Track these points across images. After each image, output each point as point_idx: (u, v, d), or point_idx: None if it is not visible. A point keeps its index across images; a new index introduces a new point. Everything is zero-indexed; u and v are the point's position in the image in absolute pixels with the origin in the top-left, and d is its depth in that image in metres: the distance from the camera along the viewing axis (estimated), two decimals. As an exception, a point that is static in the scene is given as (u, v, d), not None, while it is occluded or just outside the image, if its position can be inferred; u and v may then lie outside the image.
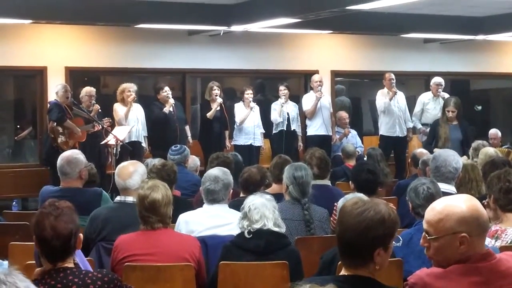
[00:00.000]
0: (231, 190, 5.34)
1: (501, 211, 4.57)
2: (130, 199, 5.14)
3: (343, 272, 2.96)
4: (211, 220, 5.13)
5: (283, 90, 11.40)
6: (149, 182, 4.67)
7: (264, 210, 4.53)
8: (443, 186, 5.21)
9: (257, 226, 4.50)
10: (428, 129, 11.73)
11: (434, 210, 3.04)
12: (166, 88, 10.78)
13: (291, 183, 5.52)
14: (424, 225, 3.06)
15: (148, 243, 4.44)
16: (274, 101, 11.72)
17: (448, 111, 10.43)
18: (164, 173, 6.07)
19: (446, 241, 2.97)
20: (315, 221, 5.45)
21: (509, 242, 4.40)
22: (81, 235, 3.45)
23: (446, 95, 11.99)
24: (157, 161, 6.57)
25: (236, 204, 5.39)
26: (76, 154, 5.92)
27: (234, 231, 4.83)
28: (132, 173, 5.27)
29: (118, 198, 5.29)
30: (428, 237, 3.02)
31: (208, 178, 5.23)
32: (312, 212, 5.50)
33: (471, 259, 2.96)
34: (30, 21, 10.53)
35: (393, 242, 2.96)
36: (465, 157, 7.92)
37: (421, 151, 8.11)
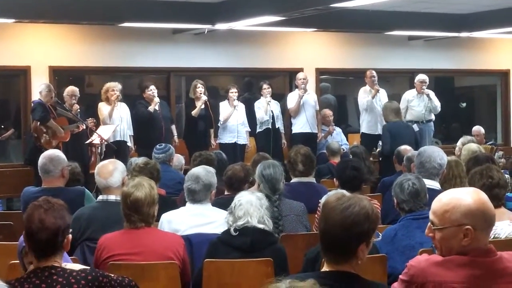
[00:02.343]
0: (213, 191, 5.32)
1: None
2: (112, 197, 5.13)
3: (325, 268, 2.97)
4: (194, 219, 5.12)
5: (267, 88, 11.39)
6: (136, 179, 4.61)
7: (248, 207, 4.53)
8: (427, 182, 5.23)
9: (240, 222, 4.50)
10: (413, 126, 11.77)
11: (441, 201, 3.06)
12: (152, 87, 10.75)
13: (261, 181, 5.61)
14: (430, 216, 3.08)
15: (132, 242, 4.42)
16: (255, 99, 11.71)
17: None
18: (147, 171, 6.05)
19: (450, 232, 2.99)
20: (291, 216, 5.53)
21: (492, 237, 4.42)
22: (70, 236, 3.43)
23: (431, 92, 12.05)
24: (140, 160, 6.55)
25: (220, 202, 5.41)
26: (57, 152, 5.97)
27: (218, 229, 4.83)
28: (112, 171, 5.26)
29: (100, 197, 5.28)
30: (432, 227, 3.04)
31: (190, 177, 5.23)
32: (287, 207, 5.56)
33: (472, 252, 2.97)
34: (13, 20, 10.48)
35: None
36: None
37: (405, 147, 8.11)
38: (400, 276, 3.08)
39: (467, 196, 3.02)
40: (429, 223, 3.08)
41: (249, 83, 13.06)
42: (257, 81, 12.13)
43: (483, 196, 3.05)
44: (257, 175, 5.68)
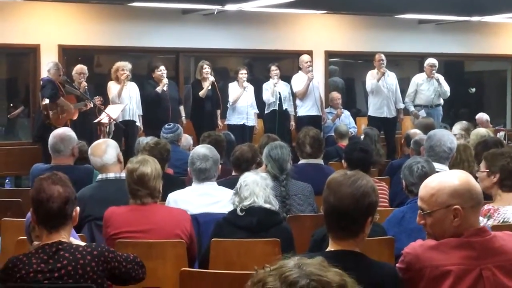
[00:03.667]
0: (220, 166, 5.37)
1: (500, 190, 4.60)
2: (111, 175, 5.19)
3: (330, 247, 2.98)
4: (201, 199, 5.14)
5: (275, 70, 11.36)
6: (139, 156, 4.68)
7: (254, 187, 4.54)
8: (437, 166, 5.22)
9: (246, 202, 4.51)
10: (420, 111, 11.74)
11: (427, 186, 3.09)
12: (162, 67, 10.73)
13: (268, 161, 5.64)
14: (419, 203, 3.11)
15: (139, 219, 4.43)
16: (263, 81, 11.68)
17: None
18: (157, 151, 6.04)
19: (440, 215, 3.01)
20: (298, 195, 5.55)
21: (501, 221, 4.42)
22: (77, 208, 3.47)
23: (440, 77, 12.02)
24: (149, 139, 6.54)
25: (228, 183, 5.41)
26: (68, 131, 5.97)
27: (224, 208, 4.84)
28: (106, 149, 5.30)
29: (100, 176, 5.30)
30: (422, 213, 3.05)
31: (197, 158, 5.22)
32: (294, 187, 5.59)
33: (465, 233, 2.98)
34: (23, -2, 10.50)
35: None
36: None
37: (415, 131, 8.10)
38: (397, 265, 3.09)
39: (451, 178, 3.06)
40: (418, 211, 3.10)
41: (250, 65, 13.02)
42: (265, 63, 12.11)
43: (467, 176, 3.09)
44: (265, 155, 5.70)
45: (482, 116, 11.81)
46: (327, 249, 3.02)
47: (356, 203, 2.91)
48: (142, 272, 3.59)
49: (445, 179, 3.07)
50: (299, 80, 11.56)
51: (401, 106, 11.98)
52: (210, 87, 10.92)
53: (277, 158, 5.59)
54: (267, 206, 4.53)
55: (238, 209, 4.52)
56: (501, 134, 9.71)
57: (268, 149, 5.69)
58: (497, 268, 2.96)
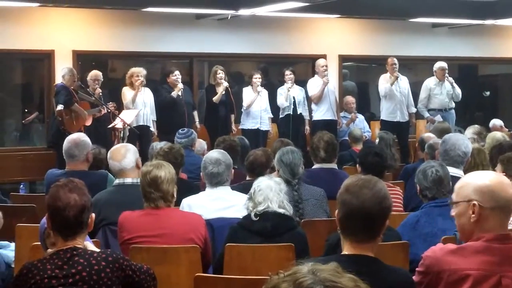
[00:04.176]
0: (233, 170, 5.38)
1: None
2: (129, 180, 5.20)
3: (345, 252, 2.97)
4: (215, 204, 5.14)
5: (289, 74, 11.36)
6: (154, 161, 4.69)
7: (268, 192, 4.53)
8: (452, 170, 5.20)
9: (260, 208, 4.50)
10: (435, 117, 11.68)
11: (461, 180, 3.16)
12: (176, 72, 10.75)
13: (280, 166, 5.64)
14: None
15: (153, 224, 4.44)
16: (278, 86, 11.69)
17: None
18: (171, 156, 6.04)
19: (462, 208, 3.04)
20: (311, 200, 5.55)
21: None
22: (93, 214, 3.47)
23: (452, 80, 11.96)
24: (163, 144, 6.56)
25: (242, 188, 5.41)
26: (82, 137, 5.99)
27: (239, 213, 4.83)
28: (125, 153, 5.31)
29: (117, 181, 5.31)
30: (449, 203, 3.14)
31: (209, 162, 5.23)
32: (307, 192, 5.58)
33: (487, 237, 2.97)
34: (38, 4, 10.53)
35: None
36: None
37: (429, 135, 8.07)
38: (417, 269, 3.09)
39: (483, 176, 3.08)
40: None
41: (265, 69, 13.03)
42: (279, 67, 12.11)
43: (500, 178, 3.09)
44: (276, 161, 5.70)
45: (495, 122, 11.74)
46: (342, 253, 3.01)
47: (379, 205, 2.93)
48: (153, 284, 3.58)
49: (477, 176, 3.11)
50: (314, 84, 11.55)
51: (413, 110, 11.96)
52: (223, 92, 10.94)
53: (288, 163, 5.59)
54: (281, 211, 4.52)
55: (252, 214, 4.51)
56: None
57: (280, 154, 5.69)
58: None
